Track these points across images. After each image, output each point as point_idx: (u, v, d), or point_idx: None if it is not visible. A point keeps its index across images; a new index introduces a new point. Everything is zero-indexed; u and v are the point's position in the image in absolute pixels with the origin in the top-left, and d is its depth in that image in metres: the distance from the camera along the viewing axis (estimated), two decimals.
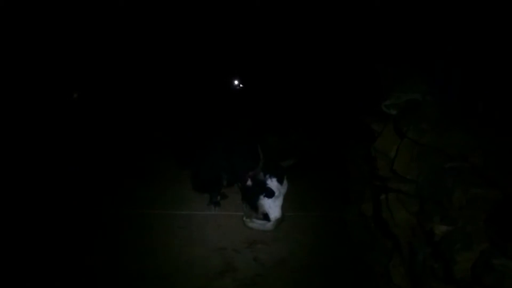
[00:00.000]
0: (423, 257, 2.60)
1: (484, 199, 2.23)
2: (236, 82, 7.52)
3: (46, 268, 3.55)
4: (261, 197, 4.08)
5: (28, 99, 5.78)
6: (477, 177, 2.32)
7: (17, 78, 5.56)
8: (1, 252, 3.71)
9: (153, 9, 6.40)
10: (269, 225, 4.24)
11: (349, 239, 4.11)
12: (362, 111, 3.71)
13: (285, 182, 4.23)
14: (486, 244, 2.10)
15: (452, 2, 2.78)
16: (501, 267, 1.90)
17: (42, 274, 3.48)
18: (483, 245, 2.10)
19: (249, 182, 4.12)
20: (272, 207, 4.11)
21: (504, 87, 2.46)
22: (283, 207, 4.31)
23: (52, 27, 5.73)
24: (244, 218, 4.37)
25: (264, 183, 4.08)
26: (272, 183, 4.11)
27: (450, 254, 2.20)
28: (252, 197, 4.19)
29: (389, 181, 2.95)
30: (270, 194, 4.07)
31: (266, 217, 4.17)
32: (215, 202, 4.69)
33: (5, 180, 4.78)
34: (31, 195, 4.71)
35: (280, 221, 4.30)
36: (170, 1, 6.41)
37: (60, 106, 6.51)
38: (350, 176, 4.43)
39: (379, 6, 4.00)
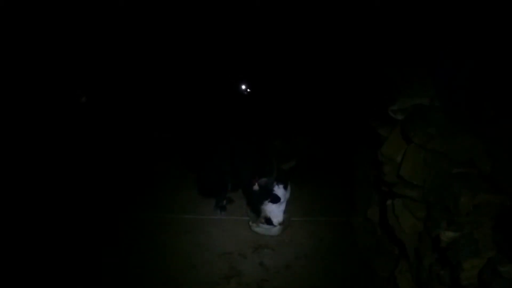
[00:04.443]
0: (429, 263, 2.58)
1: (491, 205, 2.21)
2: (243, 87, 7.52)
3: (57, 268, 3.59)
4: (265, 202, 4.08)
5: (39, 103, 5.84)
6: (485, 183, 2.30)
7: (24, 81, 5.62)
8: (15, 251, 3.77)
9: (159, 11, 6.44)
10: (275, 230, 4.24)
11: (355, 245, 4.09)
12: (369, 116, 3.69)
13: (288, 187, 4.22)
14: (493, 251, 2.08)
15: (458, 5, 2.76)
16: (509, 274, 1.88)
17: (53, 274, 3.51)
18: (490, 252, 2.08)
19: (255, 187, 4.11)
20: (276, 212, 4.10)
21: None
22: (290, 212, 4.30)
23: (56, 29, 5.78)
24: (250, 223, 4.36)
25: (271, 190, 4.08)
26: (279, 189, 4.10)
27: (457, 261, 2.18)
28: (256, 202, 4.19)
29: (396, 186, 2.93)
30: (276, 200, 4.07)
31: (269, 221, 4.17)
32: (221, 206, 4.69)
33: (20, 183, 4.82)
34: (44, 198, 4.74)
35: (286, 226, 4.29)
36: (176, 3, 6.45)
37: (69, 109, 6.57)
38: (356, 181, 4.42)
39: (379, 6, 4.00)
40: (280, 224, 4.17)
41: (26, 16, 5.35)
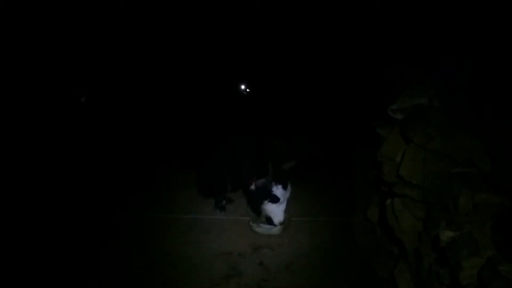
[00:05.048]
0: (429, 263, 2.58)
1: (491, 205, 2.20)
2: (243, 87, 7.51)
3: (58, 268, 3.60)
4: (265, 202, 4.08)
5: (40, 103, 5.84)
6: (484, 182, 2.30)
7: (24, 81, 5.62)
8: (15, 251, 3.78)
9: (159, 11, 6.44)
10: (275, 230, 4.24)
11: (355, 245, 4.09)
12: (368, 116, 3.69)
13: (288, 186, 4.22)
14: (492, 250, 2.07)
15: (459, 6, 2.76)
16: (508, 273, 1.88)
17: (53, 274, 3.52)
18: (489, 251, 2.08)
19: (252, 187, 4.11)
20: (276, 211, 4.10)
21: None
22: (289, 212, 4.30)
23: (57, 29, 5.78)
24: (251, 223, 4.37)
25: (269, 190, 4.08)
26: (278, 189, 4.10)
27: (456, 260, 2.17)
28: (256, 202, 4.19)
29: (395, 186, 2.93)
30: (275, 200, 4.07)
31: (269, 221, 4.17)
32: (220, 206, 4.69)
33: (20, 183, 4.83)
34: (45, 199, 4.75)
35: (286, 226, 4.29)
36: (176, 3, 6.46)
37: (69, 109, 6.57)
38: (356, 181, 4.42)
39: (379, 6, 4.00)
40: (280, 223, 4.17)
41: (26, 16, 5.35)
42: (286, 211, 4.23)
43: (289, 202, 4.29)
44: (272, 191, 4.06)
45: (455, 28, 2.77)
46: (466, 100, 2.71)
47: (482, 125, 2.51)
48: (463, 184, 2.32)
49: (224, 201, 4.76)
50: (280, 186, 4.10)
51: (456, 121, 2.63)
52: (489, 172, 2.27)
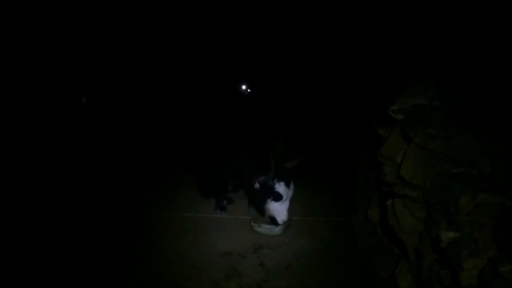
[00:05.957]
0: (429, 264, 2.58)
1: (491, 205, 2.20)
2: (244, 87, 7.53)
3: (57, 268, 3.60)
4: (268, 201, 4.07)
5: (42, 103, 5.84)
6: (485, 183, 2.29)
7: (25, 81, 5.62)
8: (15, 251, 3.78)
9: (161, 13, 6.45)
10: (277, 230, 4.24)
11: (355, 245, 4.09)
12: (369, 116, 3.69)
13: (291, 185, 4.21)
14: (493, 251, 2.08)
15: (459, 7, 2.76)
16: (509, 274, 1.88)
17: (53, 274, 3.52)
18: (490, 252, 2.08)
19: (256, 185, 4.10)
20: (279, 210, 4.09)
21: None
22: (290, 211, 4.30)
23: (58, 29, 5.79)
24: (252, 223, 4.36)
25: (272, 188, 4.07)
26: (280, 187, 4.10)
27: (457, 261, 2.17)
28: (259, 201, 4.18)
29: (396, 186, 2.93)
30: (278, 198, 4.06)
31: (273, 220, 4.16)
32: (221, 206, 4.69)
33: (21, 184, 4.83)
34: (46, 198, 4.76)
35: (287, 226, 4.29)
36: (178, 5, 6.47)
37: (70, 110, 6.58)
38: (357, 181, 4.41)
39: (380, 8, 4.00)
40: (284, 222, 4.16)
41: (27, 17, 5.35)
42: (289, 210, 4.22)
43: (291, 202, 4.28)
44: (275, 189, 4.06)
45: (456, 29, 2.77)
46: (466, 100, 2.71)
47: (482, 125, 2.50)
48: (463, 185, 2.32)
49: (225, 201, 4.76)
50: (282, 184, 4.09)
51: (456, 121, 2.63)
52: (490, 172, 2.26)
